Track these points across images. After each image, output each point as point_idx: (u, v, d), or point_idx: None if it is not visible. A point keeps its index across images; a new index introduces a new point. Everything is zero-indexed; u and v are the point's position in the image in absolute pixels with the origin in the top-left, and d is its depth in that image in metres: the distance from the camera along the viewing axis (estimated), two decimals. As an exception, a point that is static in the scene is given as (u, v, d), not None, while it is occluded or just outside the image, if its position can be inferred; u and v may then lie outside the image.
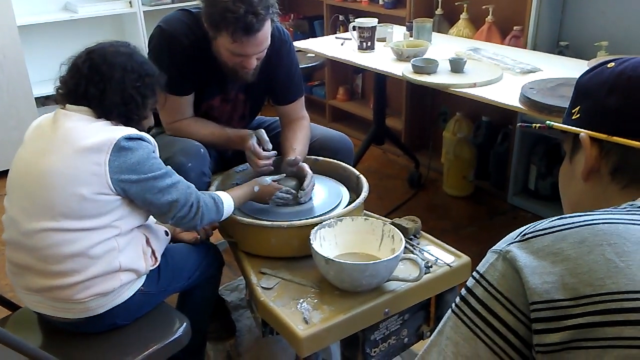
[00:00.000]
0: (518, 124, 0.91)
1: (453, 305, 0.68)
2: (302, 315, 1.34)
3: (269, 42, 1.68)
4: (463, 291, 0.68)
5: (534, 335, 0.61)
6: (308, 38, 3.23)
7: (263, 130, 1.79)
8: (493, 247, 0.68)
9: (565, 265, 0.60)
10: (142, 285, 1.41)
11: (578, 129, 0.76)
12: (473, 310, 0.65)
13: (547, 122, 0.80)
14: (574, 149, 0.79)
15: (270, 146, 1.77)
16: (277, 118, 2.04)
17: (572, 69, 2.23)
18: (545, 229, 0.65)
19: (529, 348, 0.62)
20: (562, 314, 0.59)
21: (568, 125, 0.78)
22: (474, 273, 0.68)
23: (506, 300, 0.63)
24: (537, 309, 0.60)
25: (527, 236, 0.65)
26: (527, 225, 0.67)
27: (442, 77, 2.19)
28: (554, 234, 0.64)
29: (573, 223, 0.64)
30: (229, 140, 1.84)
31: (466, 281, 0.69)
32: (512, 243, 0.65)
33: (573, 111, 0.78)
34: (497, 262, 0.65)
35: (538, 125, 0.84)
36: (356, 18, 2.80)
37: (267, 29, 1.63)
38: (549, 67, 2.25)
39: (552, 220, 0.66)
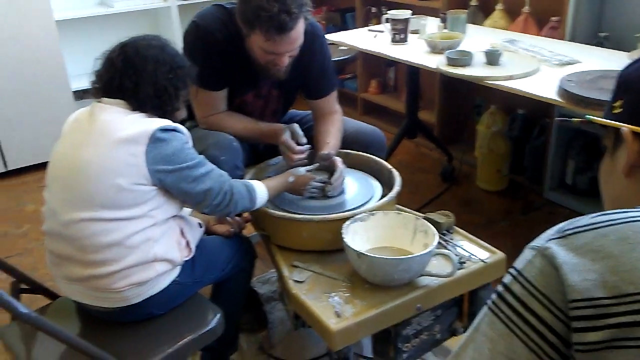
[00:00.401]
0: (556, 118, 0.89)
1: (489, 301, 0.67)
2: (333, 308, 1.34)
3: (301, 40, 1.68)
4: (499, 287, 0.67)
5: (573, 334, 0.60)
6: (340, 31, 3.21)
7: (297, 125, 1.80)
8: (531, 244, 0.67)
9: (607, 262, 0.59)
10: (177, 276, 1.43)
11: (620, 123, 0.73)
12: (510, 307, 0.64)
13: (587, 116, 0.78)
14: (616, 143, 0.76)
15: (304, 140, 1.78)
16: (309, 112, 2.04)
17: (612, 61, 2.16)
18: (586, 225, 0.63)
19: (567, 346, 0.61)
20: (603, 313, 0.58)
21: (609, 119, 0.75)
22: (511, 269, 0.67)
23: (544, 297, 0.62)
24: (577, 307, 0.59)
25: (566, 232, 0.64)
26: (567, 222, 0.66)
27: (477, 70, 2.16)
28: (595, 230, 0.62)
29: (614, 220, 0.63)
30: (262, 134, 1.85)
31: (500, 277, 0.68)
32: (551, 239, 0.64)
33: (614, 105, 0.76)
34: (535, 259, 0.64)
35: (577, 119, 0.82)
36: (389, 10, 2.77)
37: (300, 27, 1.63)
38: (587, 59, 2.19)
39: (593, 217, 0.65)
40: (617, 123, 0.74)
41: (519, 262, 0.67)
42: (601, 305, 0.58)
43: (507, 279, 0.67)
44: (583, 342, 0.59)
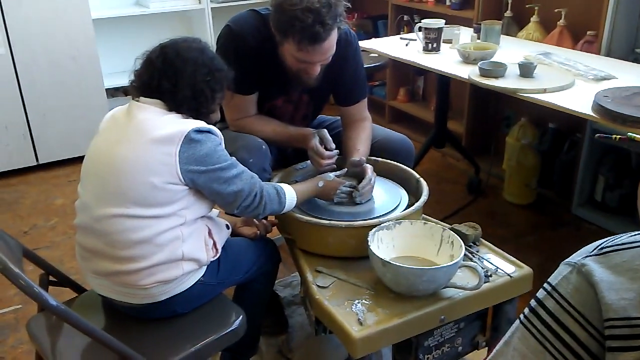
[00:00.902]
0: (597, 135, 0.88)
1: (521, 316, 0.67)
2: (356, 316, 1.34)
3: (334, 50, 1.68)
4: (533, 302, 0.66)
5: (607, 353, 0.59)
6: (371, 38, 3.22)
7: (325, 130, 1.80)
8: (567, 260, 0.66)
9: None
10: (202, 276, 1.44)
11: None
12: (543, 323, 0.64)
13: (629, 134, 0.76)
14: None
15: (333, 146, 1.78)
16: (338, 117, 2.04)
17: (649, 77, 2.13)
18: (625, 243, 0.62)
19: None
20: (639, 333, 0.56)
21: None
22: (545, 284, 0.66)
23: (579, 314, 0.61)
24: (612, 325, 0.58)
25: (604, 250, 0.63)
26: (605, 239, 0.65)
27: (510, 82, 2.14)
28: (635, 249, 0.61)
29: None
30: (291, 138, 1.86)
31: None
32: (588, 256, 0.63)
33: None
34: (571, 275, 0.63)
35: (618, 136, 0.80)
36: (422, 19, 2.77)
37: (333, 38, 1.63)
38: (623, 75, 2.16)
39: (632, 235, 0.64)
40: None
41: (554, 278, 0.66)
42: (638, 325, 0.57)
43: (540, 294, 0.66)
44: None
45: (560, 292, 0.63)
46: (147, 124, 1.34)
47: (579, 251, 0.66)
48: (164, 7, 3.86)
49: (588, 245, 0.66)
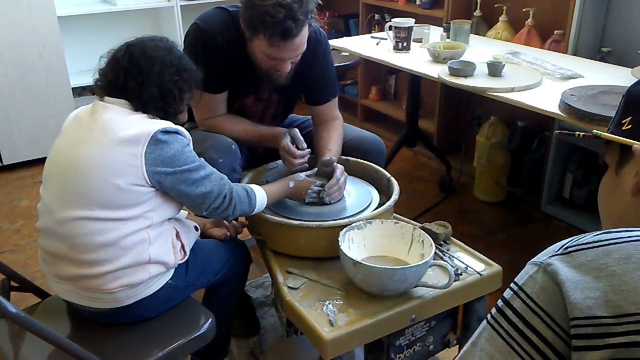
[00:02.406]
0: (557, 131, 0.88)
1: (489, 316, 0.67)
2: (327, 317, 1.33)
3: (305, 47, 1.67)
4: (499, 302, 0.66)
5: (573, 352, 0.59)
6: (343, 36, 3.21)
7: (297, 129, 1.79)
8: (533, 259, 0.66)
9: (610, 281, 0.59)
10: (170, 279, 1.42)
11: (631, 140, 0.72)
12: (510, 323, 0.64)
13: (594, 131, 0.77)
14: (622, 160, 0.75)
15: (304, 145, 1.77)
16: (309, 117, 2.03)
17: (615, 76, 2.17)
18: (590, 242, 0.63)
19: None
20: (604, 332, 0.57)
21: (617, 135, 0.74)
22: (512, 284, 0.66)
23: (545, 314, 0.61)
24: (578, 324, 0.58)
25: (569, 249, 0.63)
26: (570, 238, 0.65)
27: (479, 81, 2.15)
28: (599, 248, 0.62)
29: (619, 238, 0.62)
30: (262, 138, 1.84)
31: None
32: (553, 256, 0.63)
33: (623, 121, 0.75)
34: (537, 275, 0.63)
35: (582, 133, 0.81)
36: (392, 18, 2.77)
37: (304, 34, 1.62)
38: (590, 74, 2.19)
39: (597, 235, 0.64)
40: (629, 140, 0.73)
41: (520, 278, 0.66)
42: (602, 324, 0.57)
43: (507, 294, 0.66)
44: None
45: (526, 292, 0.63)
46: (112, 124, 1.31)
47: (544, 251, 0.66)
48: (131, 5, 3.79)
49: (554, 245, 0.66)
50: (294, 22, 1.55)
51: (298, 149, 1.76)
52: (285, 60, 1.66)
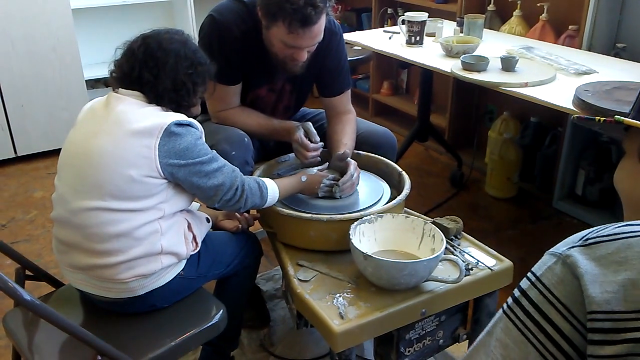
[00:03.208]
0: (575, 116, 0.85)
1: (504, 306, 0.66)
2: (337, 310, 1.33)
3: (322, 35, 1.66)
4: (516, 292, 0.65)
5: (588, 346, 0.58)
6: (355, 30, 3.20)
7: (310, 123, 1.79)
8: (551, 249, 0.65)
9: (629, 275, 0.57)
10: (182, 270, 1.43)
11: None
12: (526, 314, 0.63)
13: (617, 116, 0.74)
14: None
15: (317, 138, 1.77)
16: (321, 110, 2.03)
17: (629, 72, 2.15)
18: (610, 235, 0.61)
19: (582, 357, 0.59)
20: (621, 327, 0.56)
21: (638, 121, 0.72)
22: (529, 274, 0.65)
23: (563, 306, 0.60)
24: (595, 318, 0.58)
25: (589, 241, 0.62)
26: (590, 230, 0.64)
27: (492, 75, 2.14)
28: (619, 241, 0.60)
29: None
30: (275, 131, 1.84)
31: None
32: (573, 247, 0.62)
33: None
34: (555, 266, 0.62)
35: (602, 118, 0.77)
36: (405, 12, 2.76)
37: (322, 22, 1.62)
38: (604, 70, 2.17)
39: (618, 226, 0.63)
40: None
41: (538, 268, 0.64)
42: (620, 319, 0.56)
43: (524, 284, 0.65)
44: (598, 356, 0.57)
45: (544, 283, 0.63)
46: (126, 115, 1.32)
47: (563, 241, 0.65)
48: (145, -3, 3.81)
49: (573, 236, 0.64)
50: (314, 9, 1.55)
51: (311, 142, 1.76)
52: (303, 49, 1.66)
